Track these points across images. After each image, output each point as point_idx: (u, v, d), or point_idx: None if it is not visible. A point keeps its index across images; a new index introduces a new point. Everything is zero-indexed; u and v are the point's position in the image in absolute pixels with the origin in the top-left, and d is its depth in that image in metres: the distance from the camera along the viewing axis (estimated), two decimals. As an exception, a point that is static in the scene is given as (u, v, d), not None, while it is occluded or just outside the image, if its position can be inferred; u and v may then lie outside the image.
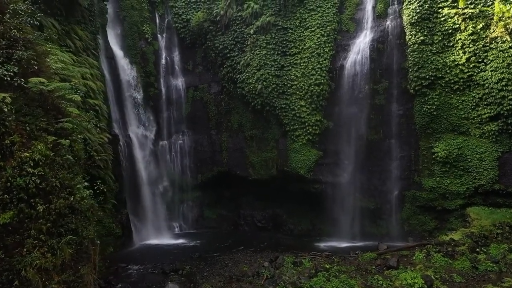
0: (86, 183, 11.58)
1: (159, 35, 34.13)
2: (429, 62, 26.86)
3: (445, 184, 26.59)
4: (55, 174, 10.68)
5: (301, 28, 30.51)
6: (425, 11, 27.00)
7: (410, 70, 27.37)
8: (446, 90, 26.76)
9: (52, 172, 10.56)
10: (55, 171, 10.68)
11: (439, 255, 19.45)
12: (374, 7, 29.59)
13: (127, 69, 30.40)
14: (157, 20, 34.20)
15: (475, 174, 25.87)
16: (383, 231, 28.80)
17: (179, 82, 34.27)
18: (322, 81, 29.32)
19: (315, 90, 29.37)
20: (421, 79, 26.98)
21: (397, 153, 28.51)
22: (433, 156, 27.05)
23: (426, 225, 27.52)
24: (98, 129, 21.92)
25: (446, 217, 26.86)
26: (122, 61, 30.17)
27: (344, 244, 27.58)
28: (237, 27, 31.85)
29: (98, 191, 12.86)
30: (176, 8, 33.95)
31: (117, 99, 28.83)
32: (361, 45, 29.17)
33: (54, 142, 10.84)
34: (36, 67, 11.69)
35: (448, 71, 26.55)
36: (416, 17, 27.08)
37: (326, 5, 30.22)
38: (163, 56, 34.13)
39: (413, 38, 27.29)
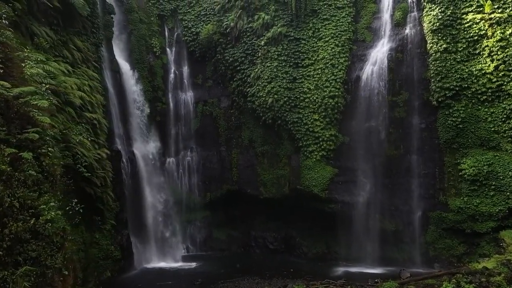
0: (53, 203, 9.96)
1: (168, 49, 33.15)
2: (453, 72, 24.84)
3: (474, 205, 24.11)
4: (13, 192, 9.13)
5: (314, 39, 29.00)
6: (448, 17, 25.14)
7: (433, 80, 25.40)
8: (473, 101, 24.61)
9: (8, 190, 9.02)
10: (12, 189, 9.14)
11: (471, 287, 17.01)
12: (392, 15, 27.92)
13: (133, 83, 29.31)
14: (166, 34, 33.29)
15: (508, 193, 23.35)
16: (406, 256, 26.33)
17: (188, 96, 33.04)
18: (337, 93, 27.56)
19: (329, 103, 27.59)
20: (445, 90, 24.92)
21: (420, 170, 26.25)
22: (460, 174, 24.69)
23: (454, 250, 24.95)
24: (95, 144, 20.68)
25: (477, 241, 24.28)
26: (128, 75, 29.12)
27: (362, 270, 25.56)
28: (248, 39, 30.57)
29: (71, 212, 11.25)
30: (186, 21, 33.01)
31: (122, 113, 27.64)
32: (379, 55, 27.43)
33: (13, 155, 9.33)
34: (2, 71, 10.33)
35: (475, 80, 24.45)
36: (438, 23, 25.25)
37: (340, 15, 28.70)
38: (172, 70, 33.08)
39: (435, 46, 25.40)
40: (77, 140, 15.90)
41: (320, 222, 28.82)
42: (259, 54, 29.96)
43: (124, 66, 29.16)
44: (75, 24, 22.22)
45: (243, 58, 30.75)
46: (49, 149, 10.55)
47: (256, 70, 29.79)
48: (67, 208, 11.16)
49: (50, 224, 9.63)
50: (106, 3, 27.67)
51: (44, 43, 17.29)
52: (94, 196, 20.52)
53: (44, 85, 11.78)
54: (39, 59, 13.36)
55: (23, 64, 11.84)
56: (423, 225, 26.12)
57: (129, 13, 30.72)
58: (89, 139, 18.01)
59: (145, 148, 29.67)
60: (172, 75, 32.97)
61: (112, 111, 26.21)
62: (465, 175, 24.41)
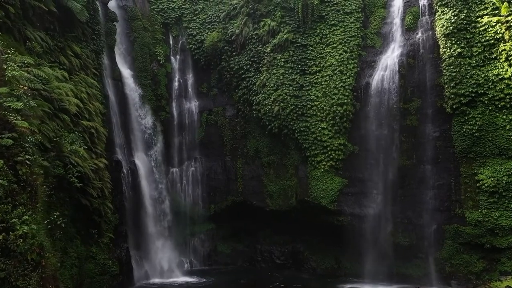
0: (27, 217, 8.96)
1: (172, 57, 32.49)
2: (468, 77, 23.66)
3: (494, 218, 22.66)
4: (-20, 204, 8.20)
5: (321, 45, 28.08)
6: (461, 21, 24.08)
7: (446, 86, 24.25)
8: (490, 108, 23.34)
9: (-26, 202, 8.09)
10: (-21, 201, 8.20)
11: (493, 308, 15.60)
12: (402, 20, 26.98)
13: (135, 92, 28.58)
14: (171, 42, 32.68)
15: (530, 205, 21.88)
16: (420, 272, 24.85)
17: (193, 105, 32.21)
18: (346, 100, 26.49)
19: (337, 111, 26.50)
20: (460, 96, 23.72)
21: (434, 180, 24.92)
22: (478, 185, 23.30)
23: (472, 266, 23.40)
24: (92, 153, 19.84)
25: (497, 256, 22.76)
26: (131, 83, 28.44)
27: (374, 287, 24.20)
28: (253, 46, 29.78)
29: (51, 226, 10.24)
30: (190, 29, 32.36)
31: (123, 122, 26.88)
32: (389, 60, 26.46)
33: (-18, 163, 8.43)
34: (-23, 72, 9.53)
35: (492, 86, 23.23)
36: (451, 27, 24.20)
37: (349, 20, 27.80)
38: (176, 78, 32.36)
39: (448, 51, 24.30)
40: (69, 149, 14.99)
41: (329, 235, 27.52)
42: (265, 62, 29.14)
43: (126, 74, 28.52)
44: (73, 30, 21.63)
45: (248, 66, 29.92)
46: (27, 156, 9.60)
47: (262, 77, 28.93)
48: (46, 222, 10.19)
49: (22, 240, 8.65)
50: (108, 10, 27.17)
51: (37, 48, 16.57)
52: (91, 208, 19.62)
53: (22, 86, 10.96)
54: (25, 62, 12.56)
55: (5, 66, 11.03)
56: (438, 240, 24.67)
57: (132, 21, 30.17)
58: (82, 147, 17.09)
59: (147, 158, 28.78)
60: (176, 84, 32.26)
61: (112, 120, 25.47)
62: (483, 186, 23.03)
